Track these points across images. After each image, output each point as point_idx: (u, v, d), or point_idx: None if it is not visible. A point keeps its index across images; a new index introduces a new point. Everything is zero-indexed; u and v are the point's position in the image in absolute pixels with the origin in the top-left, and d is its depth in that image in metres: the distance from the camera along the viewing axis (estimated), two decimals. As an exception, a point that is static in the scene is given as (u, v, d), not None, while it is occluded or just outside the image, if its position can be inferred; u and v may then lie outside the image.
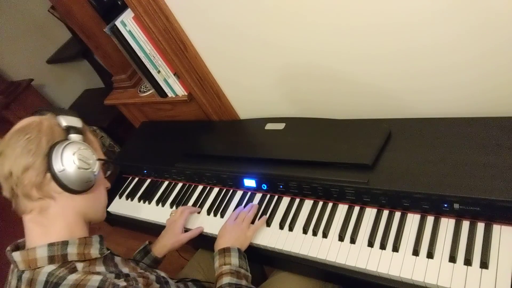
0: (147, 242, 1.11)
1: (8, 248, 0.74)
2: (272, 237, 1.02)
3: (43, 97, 2.64)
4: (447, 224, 0.85)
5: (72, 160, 0.71)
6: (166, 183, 1.37)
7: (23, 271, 0.71)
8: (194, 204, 1.23)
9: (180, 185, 1.33)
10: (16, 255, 0.71)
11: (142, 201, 1.36)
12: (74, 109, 0.81)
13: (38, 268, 0.70)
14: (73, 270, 0.70)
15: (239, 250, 0.96)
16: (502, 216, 0.79)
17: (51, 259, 0.70)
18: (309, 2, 0.94)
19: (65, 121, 0.76)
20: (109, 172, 0.88)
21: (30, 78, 2.50)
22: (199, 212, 1.21)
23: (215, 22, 1.13)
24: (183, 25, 1.20)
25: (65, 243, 0.72)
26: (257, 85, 1.27)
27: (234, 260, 0.94)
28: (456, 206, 0.83)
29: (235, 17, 1.08)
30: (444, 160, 0.90)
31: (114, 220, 1.44)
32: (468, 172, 0.85)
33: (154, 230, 1.25)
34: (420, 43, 0.91)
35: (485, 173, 0.83)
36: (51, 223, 0.74)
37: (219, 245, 0.99)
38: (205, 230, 1.14)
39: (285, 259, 1.00)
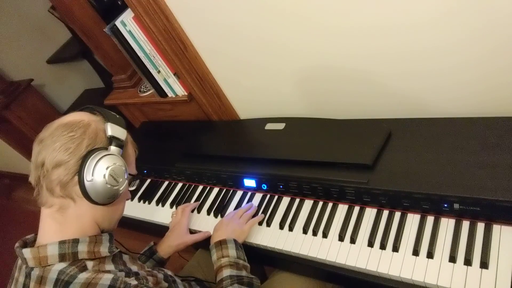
0: (152, 243, 1.11)
1: (17, 244, 0.75)
2: (272, 237, 1.02)
3: (43, 97, 2.64)
4: (447, 224, 0.85)
5: (103, 173, 0.71)
6: (166, 183, 1.37)
7: (32, 268, 0.71)
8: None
9: (180, 185, 1.33)
10: (26, 252, 0.71)
11: (142, 201, 1.36)
12: (120, 118, 0.80)
13: (49, 265, 0.70)
14: (84, 268, 0.71)
15: (235, 241, 0.97)
16: (502, 216, 0.79)
17: (62, 257, 0.70)
18: (310, 3, 0.94)
19: (111, 130, 0.76)
20: (134, 185, 0.89)
21: (30, 78, 2.50)
22: (199, 211, 1.21)
23: (215, 22, 1.13)
24: (183, 25, 1.20)
25: (76, 241, 0.72)
26: (257, 85, 1.27)
27: (232, 251, 0.94)
28: (456, 206, 0.83)
29: (235, 17, 1.08)
30: (444, 160, 0.90)
31: (114, 220, 1.44)
32: (468, 172, 0.85)
33: (154, 230, 1.25)
34: (421, 44, 0.91)
35: (485, 173, 0.83)
36: (67, 222, 0.74)
37: (215, 238, 0.99)
38: (205, 230, 1.14)
39: (285, 259, 1.00)
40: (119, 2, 1.42)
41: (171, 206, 1.28)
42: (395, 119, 1.07)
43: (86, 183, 0.70)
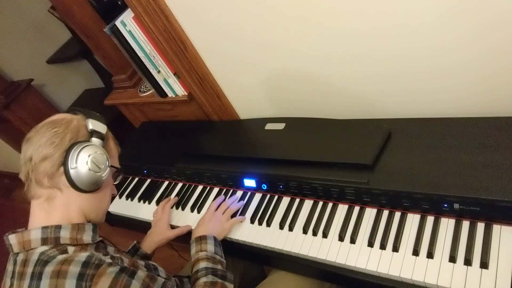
0: (135, 242, 1.14)
1: (6, 234, 0.78)
2: (272, 237, 1.02)
3: (43, 97, 2.64)
4: (447, 224, 0.85)
5: (85, 161, 0.77)
6: (166, 183, 1.37)
7: (17, 254, 0.75)
8: (194, 204, 1.23)
9: (180, 185, 1.33)
10: (12, 238, 0.76)
11: (142, 201, 1.36)
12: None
13: (32, 249, 0.74)
14: (64, 252, 0.74)
15: (214, 238, 1.01)
16: (502, 216, 0.79)
17: (44, 241, 0.75)
18: (310, 3, 0.94)
19: (92, 124, 0.83)
20: (118, 179, 0.93)
21: (30, 78, 2.50)
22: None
23: (215, 22, 1.13)
24: (183, 25, 1.20)
25: (58, 227, 0.77)
26: (257, 85, 1.27)
27: (210, 247, 0.98)
28: (456, 206, 0.83)
29: (235, 17, 1.08)
30: (444, 160, 0.90)
31: (114, 220, 1.44)
32: (468, 172, 0.85)
33: (154, 230, 1.24)
34: (420, 45, 0.91)
35: (485, 173, 0.83)
36: (53, 210, 0.79)
37: (196, 233, 1.03)
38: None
39: (285, 259, 1.00)
40: (119, 2, 1.42)
41: (171, 206, 1.28)
42: (395, 119, 1.07)
43: (71, 171, 0.76)
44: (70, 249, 0.75)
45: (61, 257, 0.72)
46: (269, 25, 1.05)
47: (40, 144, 0.77)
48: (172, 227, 1.19)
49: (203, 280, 0.89)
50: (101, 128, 0.85)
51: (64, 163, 0.77)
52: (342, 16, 0.94)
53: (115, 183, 0.92)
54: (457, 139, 0.93)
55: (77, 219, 0.81)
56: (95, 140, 0.82)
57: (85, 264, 0.71)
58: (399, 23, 0.89)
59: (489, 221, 0.81)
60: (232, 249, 1.07)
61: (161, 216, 1.20)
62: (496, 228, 0.80)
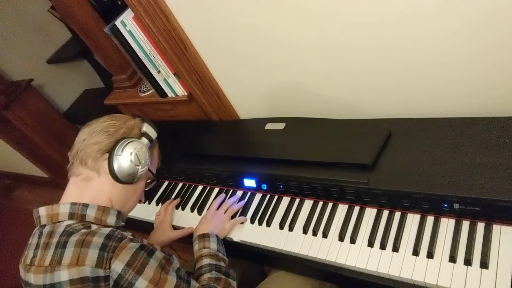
0: None
1: (36, 208, 0.83)
2: (272, 237, 1.02)
3: (43, 97, 2.64)
4: (447, 224, 0.85)
5: (130, 152, 0.84)
6: (166, 183, 1.37)
7: (44, 226, 0.80)
8: (194, 204, 1.23)
9: (180, 185, 1.33)
10: (42, 210, 0.81)
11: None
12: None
13: (59, 222, 0.79)
14: (88, 228, 0.78)
15: (217, 236, 1.03)
16: (502, 216, 0.79)
17: (71, 216, 0.80)
18: (310, 3, 0.94)
19: (145, 128, 0.92)
20: (150, 186, 0.98)
21: (30, 78, 2.50)
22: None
23: (215, 22, 1.13)
24: (183, 25, 1.20)
25: (85, 205, 0.82)
26: (257, 85, 1.27)
27: (213, 244, 1.00)
28: (456, 206, 0.83)
29: (235, 17, 1.08)
30: (444, 160, 0.90)
31: (114, 220, 1.44)
32: (468, 172, 0.85)
33: (154, 230, 1.25)
34: (419, 41, 0.91)
35: (485, 173, 0.83)
36: (86, 190, 0.85)
37: (198, 231, 1.05)
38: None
39: (285, 259, 1.00)
40: (119, 2, 1.42)
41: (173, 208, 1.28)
42: (395, 119, 1.07)
43: (114, 157, 0.83)
44: (94, 227, 0.79)
45: (84, 231, 0.76)
46: (270, 24, 1.05)
47: (96, 129, 0.85)
48: (173, 227, 1.19)
49: (207, 276, 0.89)
50: (153, 133, 0.93)
51: (111, 150, 0.83)
52: (341, 13, 0.94)
53: (146, 188, 0.96)
54: (457, 139, 0.93)
55: (105, 203, 0.85)
56: (144, 139, 0.90)
57: (108, 236, 0.75)
58: (397, 20, 0.89)
59: (489, 221, 0.81)
60: (232, 249, 1.07)
61: (163, 217, 1.20)
62: (496, 228, 0.80)
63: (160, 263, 0.77)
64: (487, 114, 0.95)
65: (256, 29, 1.08)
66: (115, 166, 0.83)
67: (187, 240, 1.14)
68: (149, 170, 0.91)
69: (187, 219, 1.21)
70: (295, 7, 0.97)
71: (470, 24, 0.83)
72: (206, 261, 0.94)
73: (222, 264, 0.95)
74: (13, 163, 2.97)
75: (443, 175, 0.87)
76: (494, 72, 0.90)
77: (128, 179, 0.85)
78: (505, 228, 0.79)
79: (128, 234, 0.80)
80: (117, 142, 0.84)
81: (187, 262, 1.27)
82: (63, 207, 0.81)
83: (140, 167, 0.86)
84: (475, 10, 0.81)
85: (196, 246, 1.00)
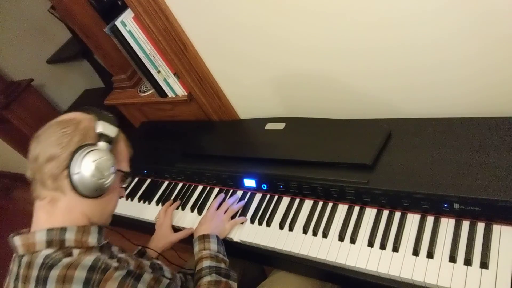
0: (139, 247, 1.13)
1: (11, 234, 0.77)
2: (272, 237, 1.02)
3: (43, 97, 2.64)
4: (447, 224, 0.85)
5: (89, 166, 0.75)
6: (166, 183, 1.37)
7: (22, 256, 0.74)
8: (194, 204, 1.23)
9: (180, 185, 1.33)
10: (17, 239, 0.75)
11: (142, 201, 1.36)
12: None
13: (36, 252, 0.73)
14: (69, 254, 0.73)
15: (217, 237, 1.02)
16: (502, 216, 0.79)
17: (49, 243, 0.73)
18: (311, 2, 0.94)
19: (101, 127, 0.80)
20: (127, 182, 0.90)
21: (30, 78, 2.50)
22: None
23: (215, 22, 1.13)
24: (183, 25, 1.20)
25: (63, 229, 0.75)
26: (257, 85, 1.27)
27: (213, 246, 0.99)
28: (456, 206, 0.83)
29: (235, 17, 1.08)
30: (444, 160, 0.90)
31: (113, 220, 1.43)
32: (468, 172, 0.85)
33: (154, 230, 1.25)
34: (420, 41, 0.91)
35: (485, 173, 0.83)
36: (56, 213, 0.77)
37: (199, 231, 1.04)
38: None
39: (285, 259, 1.00)
40: (119, 2, 1.42)
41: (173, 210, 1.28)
42: (395, 119, 1.07)
43: (74, 176, 0.74)
44: (75, 251, 0.74)
45: (66, 260, 0.71)
46: (270, 24, 1.05)
47: (48, 143, 0.76)
48: (173, 227, 1.19)
49: (207, 279, 0.89)
50: (111, 131, 0.82)
51: (69, 166, 0.75)
52: (342, 13, 0.94)
53: (123, 186, 0.90)
54: (457, 139, 0.93)
55: (81, 222, 0.79)
56: (102, 144, 0.79)
57: (92, 268, 0.70)
58: (398, 19, 0.89)
59: (489, 221, 0.81)
60: (232, 249, 1.07)
61: (163, 220, 1.20)
62: (496, 228, 0.80)
63: (148, 286, 0.75)
64: (487, 114, 0.95)
65: (256, 29, 1.08)
66: (78, 184, 0.75)
67: (187, 240, 1.14)
68: (118, 171, 0.83)
69: (187, 219, 1.21)
70: (295, 8, 0.97)
71: (470, 24, 0.83)
72: (206, 263, 0.93)
73: (223, 265, 0.95)
74: (13, 163, 2.97)
75: (443, 175, 0.87)
76: (494, 72, 0.90)
77: (97, 193, 0.78)
78: (505, 228, 0.79)
79: (113, 261, 0.75)
80: (72, 155, 0.75)
81: (187, 262, 1.27)
82: (39, 235, 0.74)
83: (104, 179, 0.77)
84: (474, 10, 0.81)
85: (196, 248, 1.00)
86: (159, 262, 0.90)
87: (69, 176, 0.75)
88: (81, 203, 0.78)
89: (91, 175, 0.75)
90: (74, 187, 0.75)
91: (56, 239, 0.74)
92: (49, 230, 0.74)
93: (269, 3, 1.00)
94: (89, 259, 0.71)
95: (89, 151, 0.76)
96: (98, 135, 0.79)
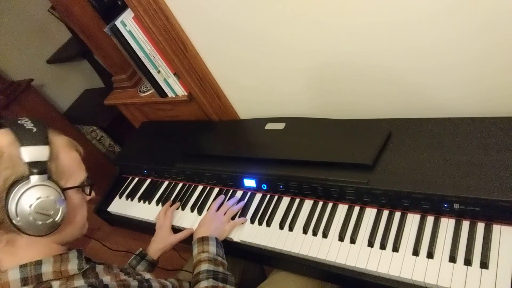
0: (140, 249, 1.13)
1: None
2: (272, 237, 1.02)
3: (43, 97, 2.64)
4: (447, 224, 0.85)
5: (28, 213, 0.64)
6: (166, 183, 1.37)
7: None
8: (194, 205, 1.23)
9: (180, 185, 1.33)
10: None
11: (142, 201, 1.36)
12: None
13: None
14: None
15: (216, 239, 1.01)
16: (502, 216, 0.79)
17: (25, 281, 0.66)
18: (312, 1, 0.94)
19: (27, 155, 0.65)
20: (91, 192, 0.79)
21: (30, 78, 2.50)
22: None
23: (215, 22, 1.13)
24: (183, 25, 1.20)
25: (38, 263, 0.68)
26: (257, 85, 1.27)
27: (212, 248, 0.98)
28: (456, 206, 0.83)
29: (235, 17, 1.08)
30: (444, 160, 0.90)
31: (114, 220, 1.44)
32: (468, 172, 0.85)
33: (154, 230, 1.25)
34: (420, 42, 0.91)
35: (485, 173, 0.83)
36: (20, 252, 0.69)
37: (198, 233, 1.04)
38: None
39: (285, 259, 1.00)
40: (119, 2, 1.42)
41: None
42: (395, 119, 1.07)
43: (18, 224, 0.65)
44: (55, 284, 0.67)
45: None
46: (270, 24, 1.05)
47: None
48: (172, 227, 1.19)
49: (204, 284, 0.88)
50: (41, 154, 0.67)
51: (7, 214, 0.64)
52: (341, 15, 0.94)
53: (89, 197, 0.79)
54: (457, 139, 0.93)
55: (52, 250, 0.71)
56: (35, 178, 0.65)
57: None
58: (399, 21, 0.89)
59: (489, 221, 0.81)
60: (232, 249, 1.07)
61: (163, 222, 1.20)
62: (496, 228, 0.80)
63: None
64: (487, 114, 0.95)
65: (256, 29, 1.08)
66: (26, 229, 0.65)
67: (187, 240, 1.14)
68: (70, 188, 0.72)
69: (186, 219, 1.21)
70: (294, 11, 0.97)
71: (471, 27, 0.83)
72: (204, 266, 0.93)
73: (221, 269, 0.94)
74: (13, 163, 2.96)
75: (443, 175, 0.87)
76: (494, 73, 0.90)
77: (51, 230, 0.68)
78: (505, 228, 0.79)
79: (95, 283, 0.68)
80: (5, 202, 0.63)
81: (187, 261, 1.27)
82: (12, 274, 0.65)
83: (52, 217, 0.67)
84: (476, 13, 0.81)
85: (195, 250, 0.99)
86: (148, 277, 0.84)
87: (13, 224, 0.65)
88: (43, 237, 0.69)
89: (34, 220, 0.65)
90: (24, 232, 0.66)
91: (31, 275, 0.66)
92: (22, 267, 0.66)
93: (269, 5, 0.99)
94: None
95: (22, 194, 0.64)
96: (28, 166, 0.65)
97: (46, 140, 0.69)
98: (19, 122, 0.69)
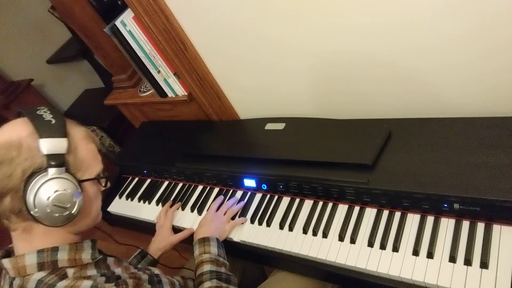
0: (141, 249, 1.14)
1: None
2: (272, 237, 1.02)
3: (43, 97, 2.64)
4: (447, 224, 0.85)
5: (45, 205, 0.65)
6: (166, 183, 1.37)
7: (14, 278, 0.69)
8: (194, 205, 1.23)
9: (180, 185, 1.33)
10: (6, 262, 0.69)
11: (142, 201, 1.36)
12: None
13: (28, 275, 0.68)
14: (63, 276, 0.68)
15: (217, 240, 1.01)
16: (502, 216, 0.79)
17: (41, 266, 0.68)
18: (312, 1, 0.94)
19: (46, 147, 0.65)
20: (106, 184, 0.80)
21: (30, 78, 2.50)
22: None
23: (215, 22, 1.13)
24: (183, 25, 1.20)
25: (55, 249, 0.70)
26: (257, 85, 1.27)
27: (213, 249, 0.98)
28: (456, 206, 0.83)
29: (235, 16, 1.08)
30: (444, 160, 0.90)
31: (114, 220, 1.44)
32: (468, 172, 0.85)
33: (154, 230, 1.25)
34: (420, 42, 0.91)
35: (485, 173, 0.83)
36: (36, 239, 0.71)
37: (199, 234, 1.04)
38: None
39: (285, 259, 1.00)
40: (119, 2, 1.42)
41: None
42: (395, 119, 1.07)
43: (36, 215, 0.65)
44: (69, 271, 0.69)
45: (60, 285, 0.66)
46: (270, 24, 1.05)
47: None
48: (172, 227, 1.19)
49: (207, 284, 0.88)
50: (59, 146, 0.67)
51: (25, 204, 0.65)
52: (340, 15, 0.94)
53: (104, 188, 0.79)
54: (457, 139, 0.93)
55: (67, 239, 0.73)
56: (52, 171, 0.66)
57: None
58: (398, 21, 0.89)
59: (489, 221, 0.81)
60: (232, 249, 1.07)
61: (163, 222, 1.20)
62: (496, 228, 0.80)
63: None
64: (487, 114, 0.95)
65: (255, 29, 1.08)
66: (44, 219, 0.66)
67: (187, 240, 1.14)
68: (87, 180, 0.72)
69: (186, 219, 1.21)
70: (293, 11, 0.97)
71: (472, 27, 0.83)
72: (207, 267, 0.93)
73: (223, 269, 0.94)
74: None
75: (443, 175, 0.87)
76: (495, 73, 0.90)
77: (67, 221, 0.69)
78: (505, 228, 0.79)
79: (111, 285, 0.69)
80: (24, 192, 0.64)
81: (188, 260, 1.27)
82: (29, 258, 0.68)
83: (69, 209, 0.68)
84: (477, 14, 0.81)
85: (196, 251, 0.99)
86: (157, 272, 0.85)
87: (31, 215, 0.66)
88: (58, 227, 0.70)
89: (51, 212, 0.66)
90: (41, 222, 0.67)
91: (48, 261, 0.68)
92: (40, 252, 0.69)
93: (269, 5, 0.99)
94: (85, 285, 0.67)
95: (40, 186, 0.64)
96: (46, 158, 0.66)
97: (64, 133, 0.69)
98: (37, 112, 0.69)
